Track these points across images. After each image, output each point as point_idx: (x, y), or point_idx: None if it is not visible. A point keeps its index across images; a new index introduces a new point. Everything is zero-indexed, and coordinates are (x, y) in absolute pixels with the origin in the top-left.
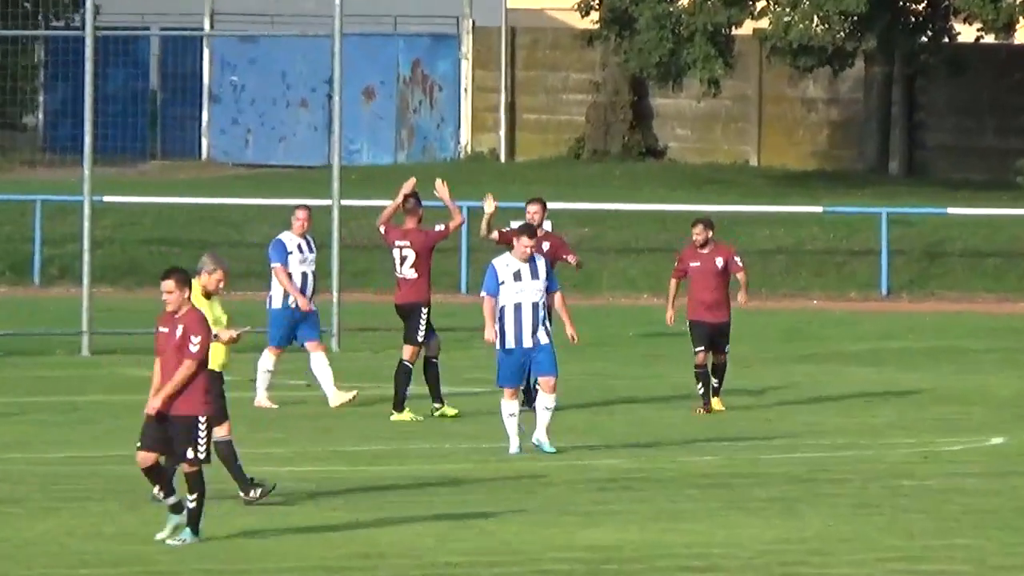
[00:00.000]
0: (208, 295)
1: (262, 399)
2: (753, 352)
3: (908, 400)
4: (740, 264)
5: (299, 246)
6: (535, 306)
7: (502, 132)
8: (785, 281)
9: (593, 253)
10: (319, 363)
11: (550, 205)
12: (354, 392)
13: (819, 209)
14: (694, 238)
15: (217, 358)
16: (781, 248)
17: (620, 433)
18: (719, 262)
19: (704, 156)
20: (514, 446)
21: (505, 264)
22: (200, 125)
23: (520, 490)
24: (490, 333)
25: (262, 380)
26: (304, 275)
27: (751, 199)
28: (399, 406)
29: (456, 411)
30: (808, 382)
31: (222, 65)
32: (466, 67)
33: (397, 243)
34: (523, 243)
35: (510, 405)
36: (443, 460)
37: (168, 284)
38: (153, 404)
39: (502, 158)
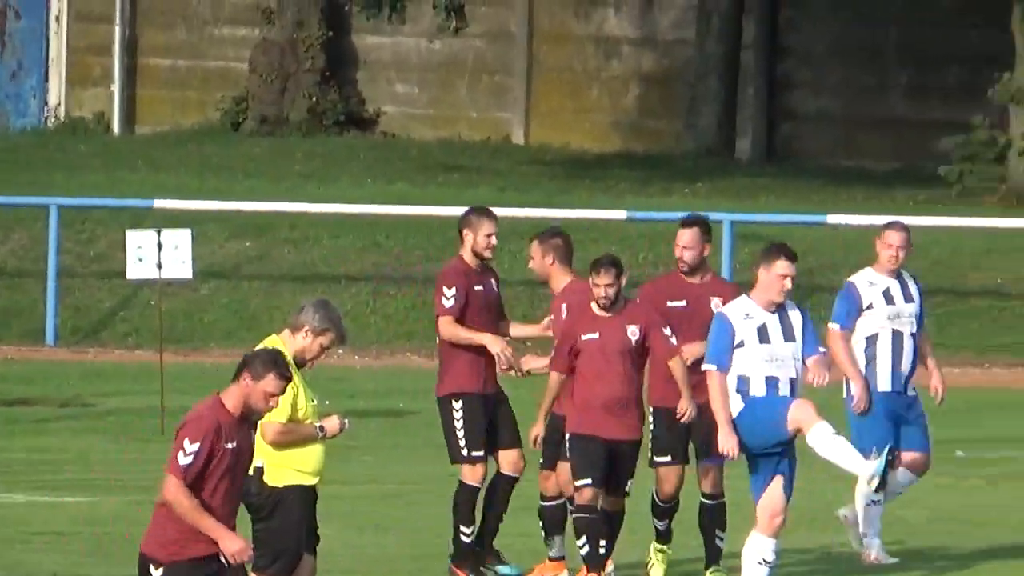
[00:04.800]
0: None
1: (876, 551)
2: None
3: None
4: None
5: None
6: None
7: (116, 87)
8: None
9: (252, 282)
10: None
11: (181, 203)
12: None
13: (622, 215)
14: (593, 289)
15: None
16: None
17: None
18: (633, 333)
19: (440, 128)
20: None
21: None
22: None
23: None
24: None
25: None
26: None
27: (516, 196)
28: None
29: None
30: None
31: None
32: None
33: None
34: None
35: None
36: None
37: None
38: None
39: (115, 127)
